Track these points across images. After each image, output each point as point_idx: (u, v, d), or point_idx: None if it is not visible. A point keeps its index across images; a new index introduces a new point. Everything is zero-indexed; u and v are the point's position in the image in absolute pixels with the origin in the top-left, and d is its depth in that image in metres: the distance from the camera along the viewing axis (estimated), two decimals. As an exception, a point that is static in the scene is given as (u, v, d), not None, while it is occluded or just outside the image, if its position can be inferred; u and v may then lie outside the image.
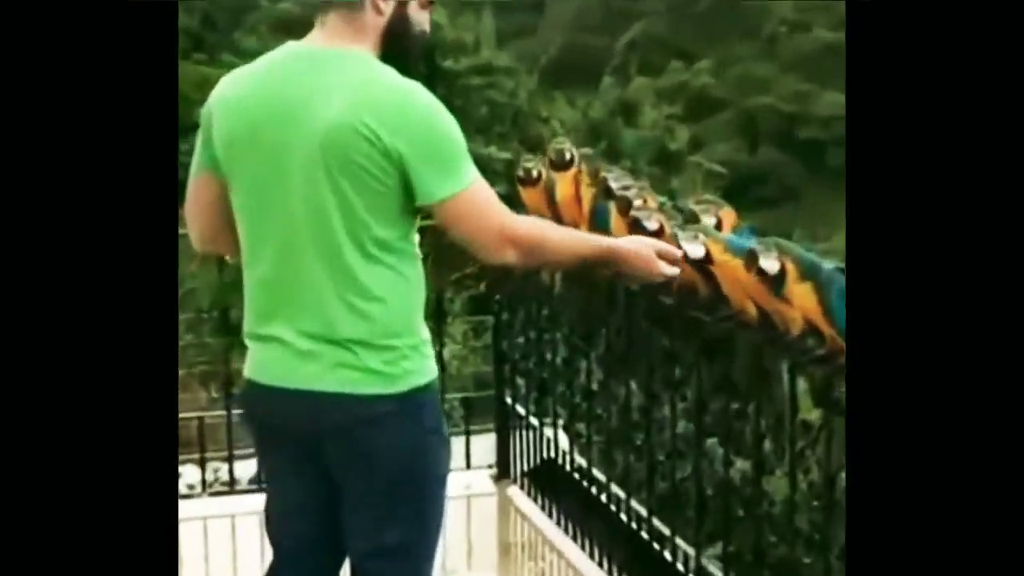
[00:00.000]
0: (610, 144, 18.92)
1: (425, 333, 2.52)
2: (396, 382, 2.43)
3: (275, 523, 2.64)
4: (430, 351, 2.51)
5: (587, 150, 3.55)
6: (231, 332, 5.22)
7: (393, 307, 2.42)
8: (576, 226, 3.22)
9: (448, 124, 2.38)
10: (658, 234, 2.88)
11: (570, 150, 3.43)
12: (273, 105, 2.39)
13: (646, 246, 2.67)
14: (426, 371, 2.48)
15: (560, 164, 3.43)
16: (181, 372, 4.80)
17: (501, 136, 18.26)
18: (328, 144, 2.36)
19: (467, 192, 2.39)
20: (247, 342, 2.56)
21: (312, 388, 2.41)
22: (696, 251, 2.85)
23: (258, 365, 2.52)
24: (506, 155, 17.31)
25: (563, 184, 3.42)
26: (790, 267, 2.58)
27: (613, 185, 3.19)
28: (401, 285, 2.44)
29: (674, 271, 2.69)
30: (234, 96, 2.45)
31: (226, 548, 4.10)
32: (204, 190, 2.53)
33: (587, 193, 3.33)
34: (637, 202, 3.13)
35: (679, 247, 2.79)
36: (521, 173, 3.57)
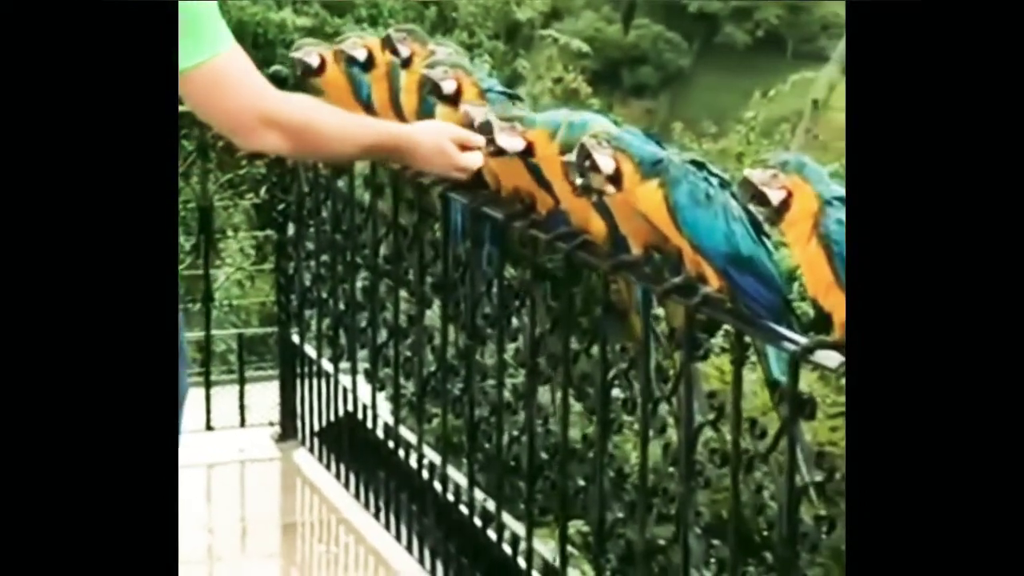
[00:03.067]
0: (440, 11, 18.82)
1: None
2: None
3: None
4: None
5: (409, 27, 3.56)
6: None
7: None
8: None
9: None
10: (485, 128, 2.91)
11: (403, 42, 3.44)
12: None
13: (440, 134, 2.79)
14: None
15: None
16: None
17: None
18: None
19: (215, 61, 2.44)
20: None
21: None
22: (514, 143, 2.88)
23: None
24: (306, 22, 17.19)
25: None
26: (627, 165, 2.63)
27: (429, 72, 3.19)
28: None
29: (474, 162, 2.80)
30: None
31: None
32: None
33: (409, 83, 3.35)
34: (447, 85, 3.14)
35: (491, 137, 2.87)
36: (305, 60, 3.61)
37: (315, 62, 3.63)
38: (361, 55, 3.51)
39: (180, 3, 2.44)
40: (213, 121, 2.55)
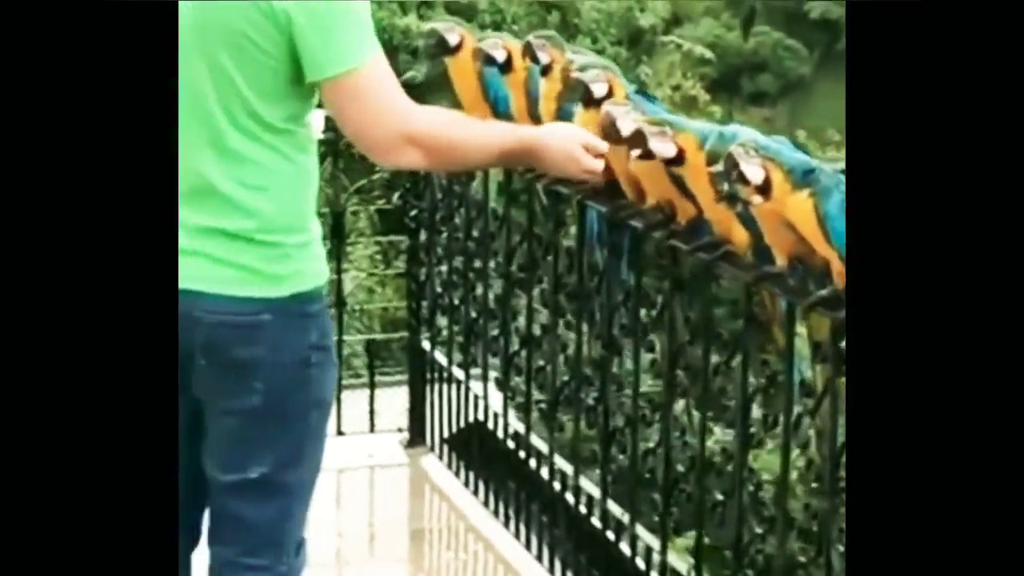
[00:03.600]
0: (564, 17, 18.81)
1: (316, 229, 2.60)
2: (276, 284, 2.52)
3: None
4: (320, 251, 2.60)
5: (548, 34, 3.53)
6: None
7: (277, 197, 2.51)
8: None
9: None
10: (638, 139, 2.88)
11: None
12: None
13: (570, 138, 2.76)
14: (313, 274, 2.58)
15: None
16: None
17: (424, 3, 18.16)
18: (210, 8, 2.44)
19: (360, 71, 2.45)
20: None
21: (187, 287, 2.49)
22: (666, 149, 2.85)
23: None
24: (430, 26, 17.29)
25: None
26: (776, 175, 2.59)
27: (581, 75, 3.17)
28: (288, 173, 2.53)
29: (598, 166, 2.79)
30: None
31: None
32: None
33: (549, 90, 3.33)
34: (598, 88, 3.12)
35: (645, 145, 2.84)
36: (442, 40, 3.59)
37: (453, 41, 3.61)
38: (500, 56, 3.49)
39: (328, 4, 2.45)
40: (353, 132, 2.53)
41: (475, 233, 3.89)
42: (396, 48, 16.52)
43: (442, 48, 3.61)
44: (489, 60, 3.49)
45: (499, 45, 3.50)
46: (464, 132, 2.63)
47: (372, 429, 4.60)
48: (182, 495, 2.69)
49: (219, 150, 2.49)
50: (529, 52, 3.35)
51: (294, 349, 2.55)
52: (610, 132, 2.90)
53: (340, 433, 4.51)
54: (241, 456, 2.58)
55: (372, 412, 4.63)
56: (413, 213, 4.37)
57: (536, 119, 3.38)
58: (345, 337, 4.99)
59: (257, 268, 2.51)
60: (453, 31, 3.61)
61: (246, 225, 2.50)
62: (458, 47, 3.58)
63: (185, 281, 2.47)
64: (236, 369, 2.53)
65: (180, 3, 2.42)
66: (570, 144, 2.76)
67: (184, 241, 2.48)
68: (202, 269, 2.50)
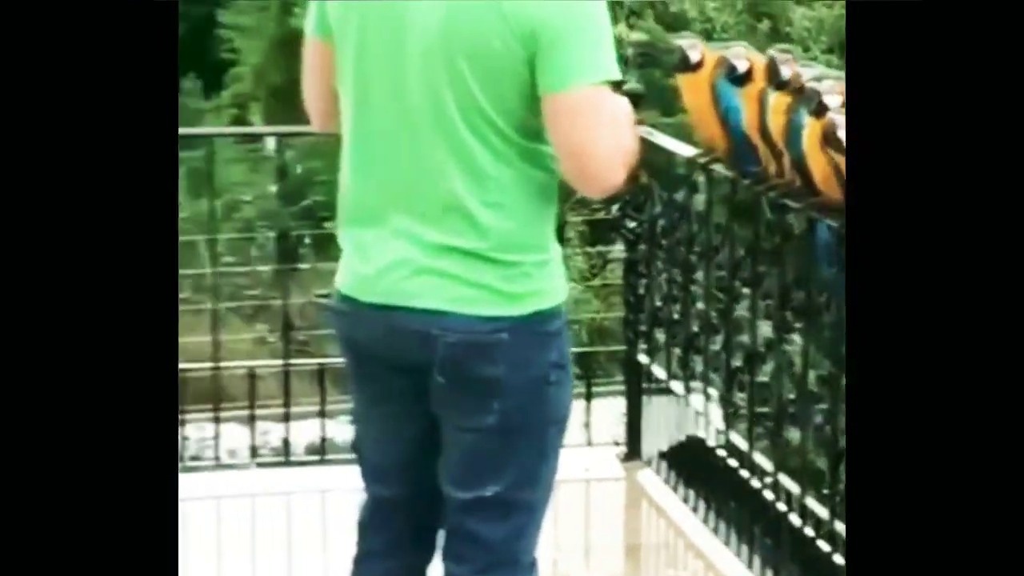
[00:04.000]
0: (774, 25, 18.60)
1: (556, 249, 2.60)
2: (517, 302, 2.51)
3: (368, 471, 2.77)
4: (560, 270, 2.59)
5: (786, 47, 3.46)
6: (289, 258, 5.26)
7: (516, 215, 2.50)
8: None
9: (591, 10, 2.44)
10: None
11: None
12: None
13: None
14: (553, 292, 2.57)
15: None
16: (220, 307, 4.85)
17: (633, 12, 18.15)
18: (449, 17, 2.42)
19: (598, 86, 2.43)
20: (341, 244, 2.65)
21: (418, 305, 2.50)
22: None
23: (353, 276, 2.61)
24: (640, 36, 17.24)
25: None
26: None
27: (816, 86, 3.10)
28: (528, 191, 2.51)
29: None
30: None
31: (279, 531, 4.14)
32: (314, 58, 2.66)
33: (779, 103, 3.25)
34: (832, 100, 3.03)
35: None
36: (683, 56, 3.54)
37: (695, 58, 3.54)
38: (742, 67, 3.41)
39: (577, 17, 2.41)
40: (577, 150, 2.47)
41: (697, 247, 3.84)
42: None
43: (684, 65, 3.55)
44: (731, 69, 3.42)
45: (742, 56, 3.43)
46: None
47: (588, 442, 4.57)
48: (418, 511, 2.71)
49: (463, 165, 2.47)
50: (772, 68, 3.27)
51: (533, 367, 2.54)
52: (832, 139, 2.83)
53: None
54: (478, 474, 2.58)
55: (588, 425, 4.61)
56: (631, 225, 4.33)
57: (766, 134, 3.32)
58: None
59: (496, 287, 2.50)
60: (696, 48, 3.55)
61: (484, 243, 2.49)
62: (699, 64, 3.52)
63: (423, 299, 2.49)
64: (475, 387, 2.53)
65: (424, 10, 2.41)
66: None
67: (422, 259, 2.49)
68: (440, 288, 2.50)
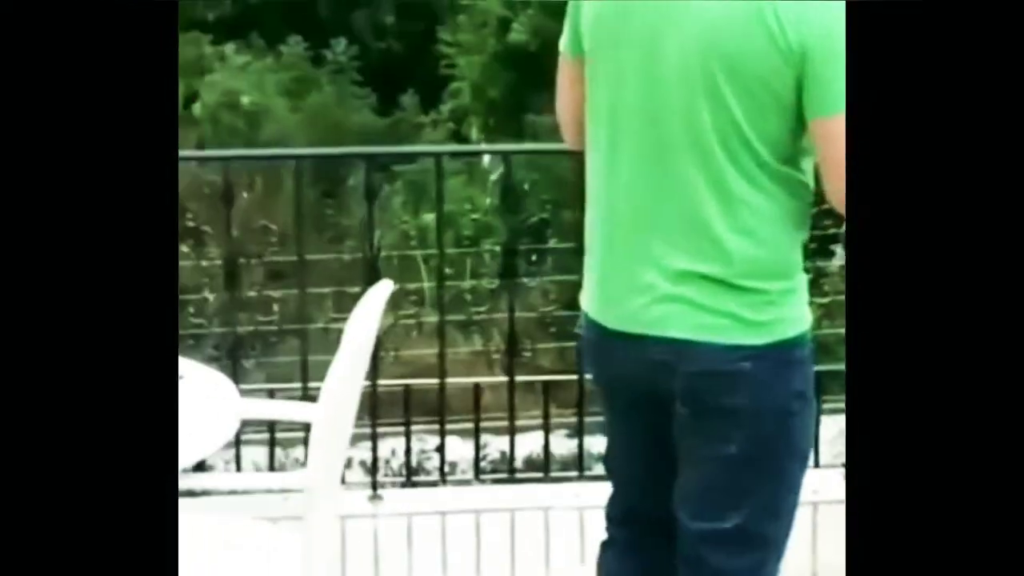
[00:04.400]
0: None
1: (802, 278, 2.53)
2: (760, 331, 2.45)
3: (614, 495, 2.78)
4: (804, 297, 2.52)
5: None
6: (512, 273, 5.29)
7: (764, 243, 2.44)
8: None
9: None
10: None
11: None
12: None
13: None
14: (796, 320, 2.50)
15: None
16: (444, 320, 4.88)
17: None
18: (709, 33, 2.37)
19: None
20: (587, 265, 2.63)
21: (662, 334, 2.46)
22: None
23: (599, 301, 2.60)
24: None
25: None
26: None
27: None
28: (778, 218, 2.45)
29: None
30: None
31: (502, 547, 4.13)
32: (568, 77, 2.66)
33: None
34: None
35: None
36: None
37: None
38: None
39: (837, 41, 2.32)
40: (843, 172, 2.35)
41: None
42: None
43: None
44: None
45: None
46: None
47: (816, 463, 4.48)
48: (650, 540, 2.67)
49: (714, 189, 2.42)
50: None
51: (775, 398, 2.49)
52: None
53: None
54: (718, 505, 2.54)
55: (816, 443, 4.51)
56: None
57: None
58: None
59: (740, 315, 2.44)
60: None
61: (730, 270, 2.43)
62: None
63: (666, 327, 2.46)
64: (715, 417, 2.49)
65: (683, 27, 2.38)
66: None
67: (666, 286, 2.46)
68: (684, 316, 2.46)
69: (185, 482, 3.04)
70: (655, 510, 2.67)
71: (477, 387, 4.86)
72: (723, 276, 2.43)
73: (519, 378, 4.62)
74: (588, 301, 2.64)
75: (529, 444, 4.92)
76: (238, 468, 4.70)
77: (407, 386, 4.85)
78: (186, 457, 2.66)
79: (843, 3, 2.31)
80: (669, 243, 2.46)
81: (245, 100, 14.22)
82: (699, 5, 2.38)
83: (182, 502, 3.35)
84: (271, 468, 4.94)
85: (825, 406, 4.85)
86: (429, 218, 11.01)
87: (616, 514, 2.80)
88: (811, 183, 2.51)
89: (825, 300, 7.76)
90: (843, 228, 4.30)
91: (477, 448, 4.70)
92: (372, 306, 3.01)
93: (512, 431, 4.52)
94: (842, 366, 4.71)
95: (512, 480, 4.54)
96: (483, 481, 4.70)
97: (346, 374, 2.94)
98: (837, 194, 2.42)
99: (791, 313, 2.50)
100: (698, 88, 2.39)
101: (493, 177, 11.43)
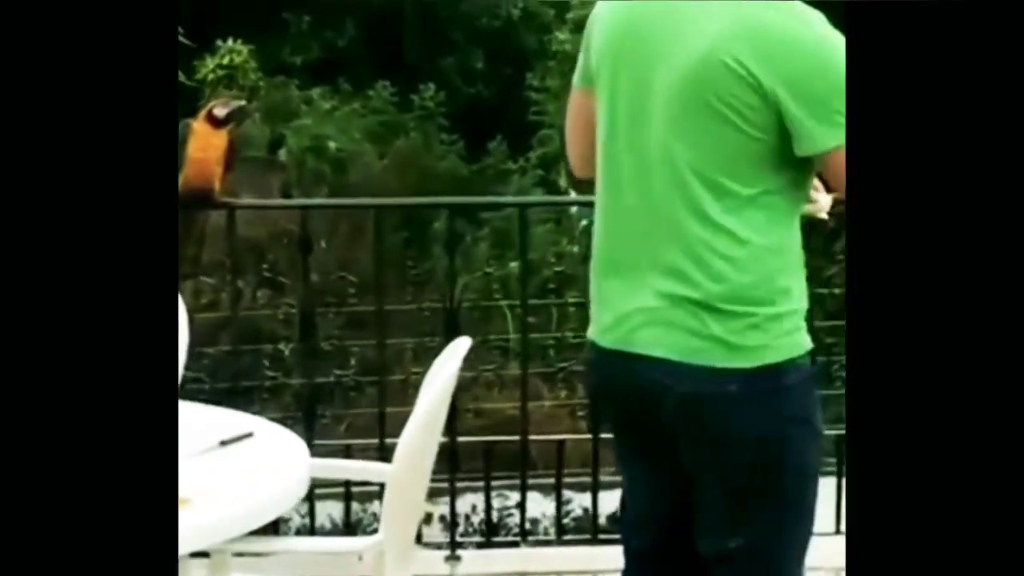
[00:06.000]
0: None
1: (798, 303, 2.54)
2: (746, 355, 2.48)
3: (627, 521, 2.81)
4: (798, 324, 2.54)
5: None
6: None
7: (748, 269, 2.48)
8: None
9: (840, 62, 2.36)
10: None
11: None
12: (648, 21, 2.53)
13: None
14: (788, 346, 2.52)
15: None
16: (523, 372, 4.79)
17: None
18: (691, 78, 2.44)
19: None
20: (591, 294, 2.70)
21: (653, 354, 2.52)
22: None
23: (598, 324, 2.67)
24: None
25: None
26: None
27: None
28: (762, 245, 2.49)
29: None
30: (614, 6, 2.63)
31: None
32: (576, 107, 2.76)
33: None
34: None
35: None
36: None
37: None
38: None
39: (821, 78, 2.40)
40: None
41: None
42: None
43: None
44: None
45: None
46: None
47: (837, 531, 4.43)
48: (665, 565, 2.73)
49: (698, 218, 2.47)
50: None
51: (765, 422, 2.50)
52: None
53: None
54: (718, 527, 2.58)
55: (839, 509, 4.44)
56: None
57: None
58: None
59: (723, 339, 2.47)
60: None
61: (714, 295, 2.47)
62: None
63: (654, 349, 2.51)
64: (706, 441, 2.53)
65: (671, 62, 2.46)
66: None
67: (654, 309, 2.51)
68: (669, 337, 2.50)
69: (256, 545, 2.99)
70: (661, 552, 2.73)
71: (561, 444, 4.76)
72: (707, 300, 2.47)
73: (604, 435, 4.50)
74: (591, 325, 2.70)
75: (613, 501, 4.81)
76: (311, 521, 4.63)
77: (488, 442, 4.76)
78: (255, 520, 2.63)
79: (824, 33, 2.43)
80: (658, 269, 2.51)
81: (331, 145, 14.27)
82: (686, 42, 2.45)
83: (254, 562, 3.29)
84: (346, 523, 4.88)
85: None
86: (514, 266, 10.97)
87: (635, 549, 2.81)
88: (801, 210, 2.58)
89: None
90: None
91: (559, 508, 4.60)
92: (449, 364, 2.98)
93: (595, 488, 4.42)
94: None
95: (595, 541, 4.43)
96: (565, 542, 4.60)
97: (420, 435, 2.92)
98: None
99: (780, 339, 2.50)
100: (676, 119, 2.47)
101: (583, 223, 11.41)
